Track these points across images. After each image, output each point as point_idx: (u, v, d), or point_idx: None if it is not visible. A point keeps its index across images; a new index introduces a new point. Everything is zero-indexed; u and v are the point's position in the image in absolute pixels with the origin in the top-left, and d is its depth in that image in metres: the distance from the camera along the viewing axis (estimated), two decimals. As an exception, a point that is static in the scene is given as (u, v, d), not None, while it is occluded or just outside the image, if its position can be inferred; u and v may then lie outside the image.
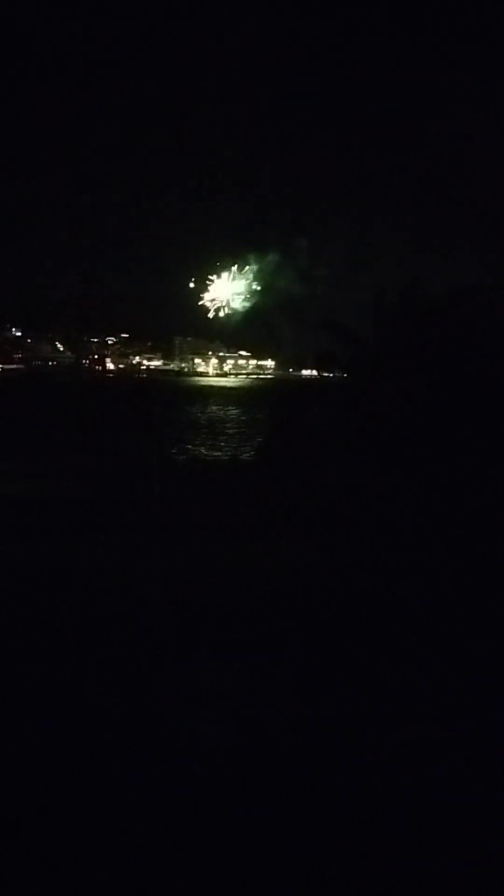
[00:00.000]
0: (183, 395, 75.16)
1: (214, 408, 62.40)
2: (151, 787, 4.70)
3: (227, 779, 4.82)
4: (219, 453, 26.91)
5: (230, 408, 61.25)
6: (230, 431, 40.39)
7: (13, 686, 5.98)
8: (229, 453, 24.62)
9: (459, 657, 6.49)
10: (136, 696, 5.81)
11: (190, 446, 29.19)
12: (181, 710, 5.66)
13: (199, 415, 53.97)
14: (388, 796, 4.67)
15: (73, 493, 12.69)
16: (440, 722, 5.49)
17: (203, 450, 28.84)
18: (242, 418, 49.64)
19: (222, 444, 33.18)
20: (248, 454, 21.09)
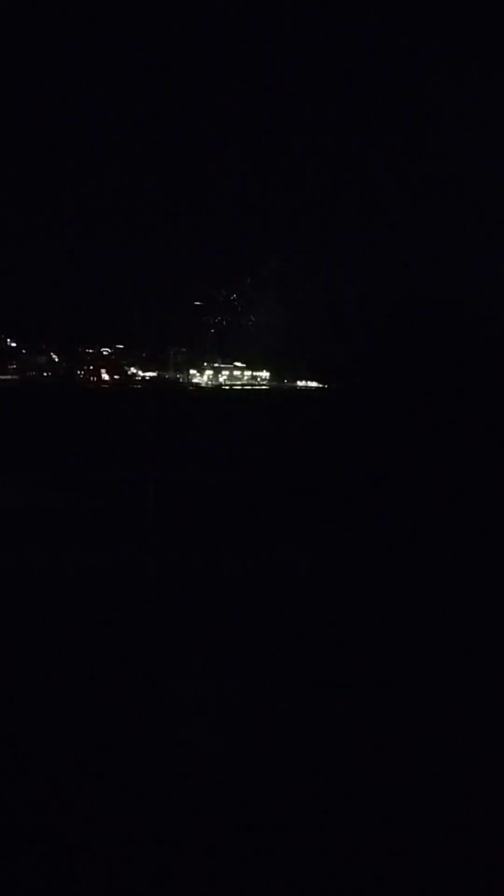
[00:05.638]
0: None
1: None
2: (148, 796, 4.64)
3: (226, 789, 4.77)
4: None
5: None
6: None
7: (11, 692, 5.98)
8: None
9: (459, 658, 6.49)
10: (133, 703, 5.78)
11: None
12: (179, 718, 5.62)
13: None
14: (389, 803, 4.62)
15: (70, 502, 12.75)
16: (441, 727, 5.45)
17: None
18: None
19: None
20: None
